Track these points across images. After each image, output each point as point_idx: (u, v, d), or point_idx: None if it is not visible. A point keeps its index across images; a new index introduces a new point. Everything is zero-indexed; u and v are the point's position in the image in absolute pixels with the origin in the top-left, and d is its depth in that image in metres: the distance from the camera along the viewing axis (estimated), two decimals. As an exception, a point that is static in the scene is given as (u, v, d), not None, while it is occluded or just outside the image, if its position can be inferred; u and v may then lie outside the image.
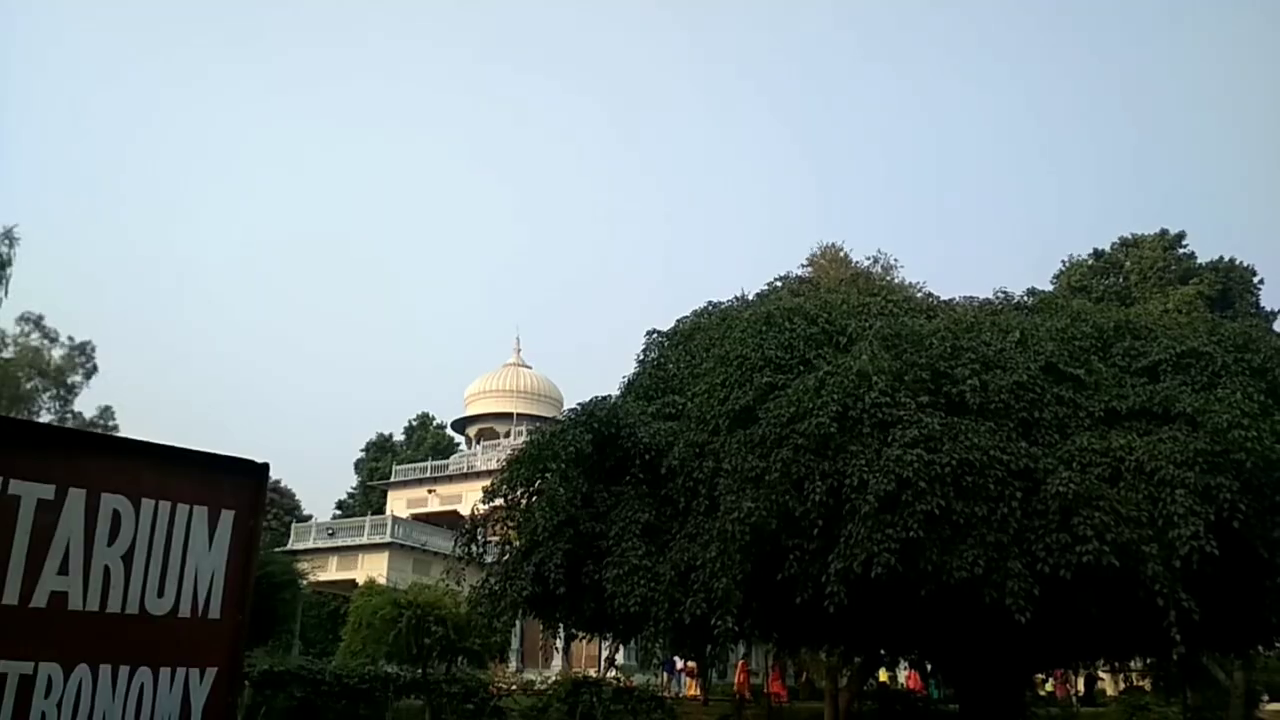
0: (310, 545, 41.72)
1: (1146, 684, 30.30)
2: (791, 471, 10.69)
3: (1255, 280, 37.60)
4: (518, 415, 51.86)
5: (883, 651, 17.63)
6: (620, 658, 16.42)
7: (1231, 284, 36.32)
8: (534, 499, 13.25)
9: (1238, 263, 36.78)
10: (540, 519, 12.31)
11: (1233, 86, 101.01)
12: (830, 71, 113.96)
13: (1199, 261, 36.79)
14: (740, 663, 29.14)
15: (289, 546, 40.59)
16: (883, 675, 31.29)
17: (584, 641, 17.76)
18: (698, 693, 28.62)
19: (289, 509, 54.81)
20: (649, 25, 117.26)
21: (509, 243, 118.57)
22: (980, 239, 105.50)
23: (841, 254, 27.65)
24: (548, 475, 13.04)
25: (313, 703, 18.84)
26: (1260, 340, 11.88)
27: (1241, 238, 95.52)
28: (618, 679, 21.97)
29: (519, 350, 59.22)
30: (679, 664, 28.98)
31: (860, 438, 10.64)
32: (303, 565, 28.35)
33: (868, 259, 28.43)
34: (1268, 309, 36.40)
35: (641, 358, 15.76)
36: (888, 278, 25.07)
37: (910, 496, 10.02)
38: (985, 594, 10.03)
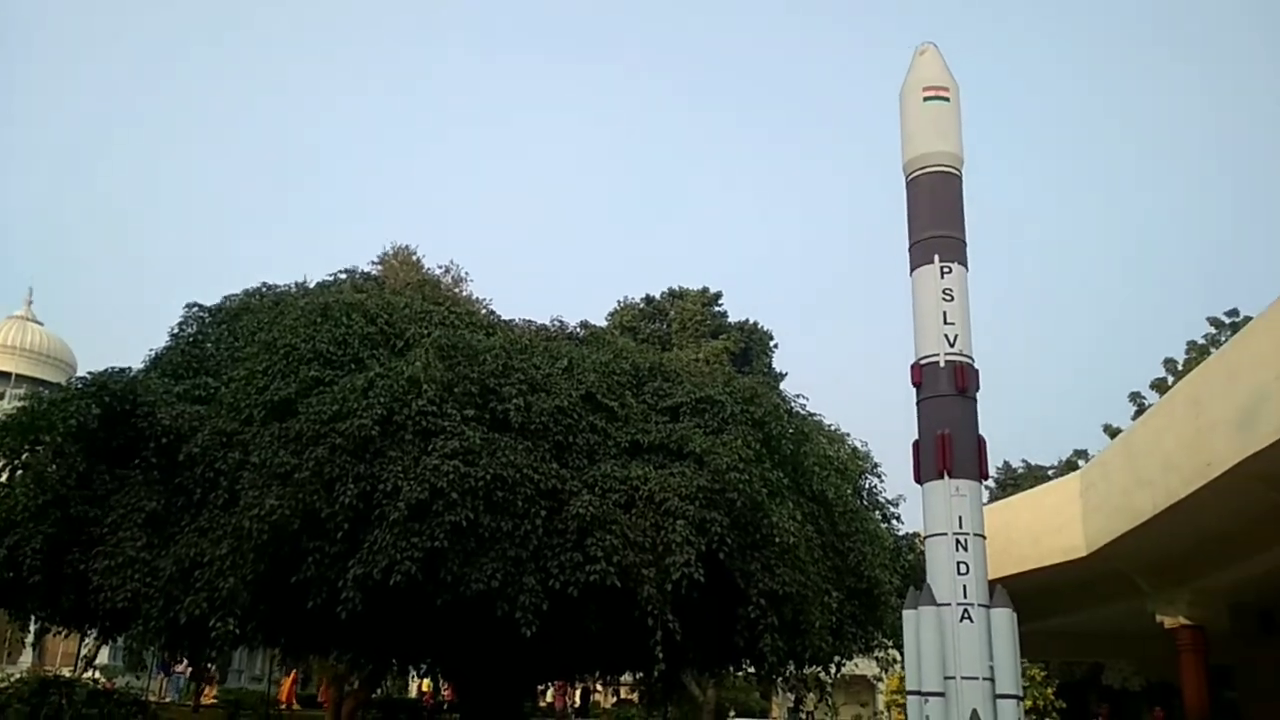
0: None
1: (636, 697, 33.07)
2: (324, 471, 10.34)
3: (771, 344, 42.99)
4: (16, 376, 45.22)
5: (394, 660, 17.52)
6: (105, 657, 14.73)
7: (753, 344, 41.03)
8: (18, 474, 11.56)
9: (760, 326, 41.76)
10: (22, 497, 10.78)
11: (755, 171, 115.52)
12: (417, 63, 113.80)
13: (730, 320, 41.32)
14: (294, 673, 27.66)
15: None
16: (425, 684, 31.21)
17: (61, 637, 15.68)
18: (213, 699, 26.52)
19: None
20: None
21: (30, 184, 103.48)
22: (556, 269, 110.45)
23: (414, 257, 27.55)
24: (39, 449, 11.46)
25: None
26: (764, 397, 13.41)
27: (765, 304, 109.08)
28: (97, 680, 19.72)
29: (30, 302, 51.71)
30: (180, 667, 26.71)
31: (401, 444, 10.57)
32: None
33: (440, 267, 28.53)
34: (778, 370, 41.62)
35: (176, 332, 14.41)
36: (456, 289, 25.31)
37: (441, 507, 10.10)
38: (498, 607, 10.35)
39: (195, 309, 14.59)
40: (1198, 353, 31.04)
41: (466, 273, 28.13)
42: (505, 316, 15.03)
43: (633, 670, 18.27)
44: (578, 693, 34.82)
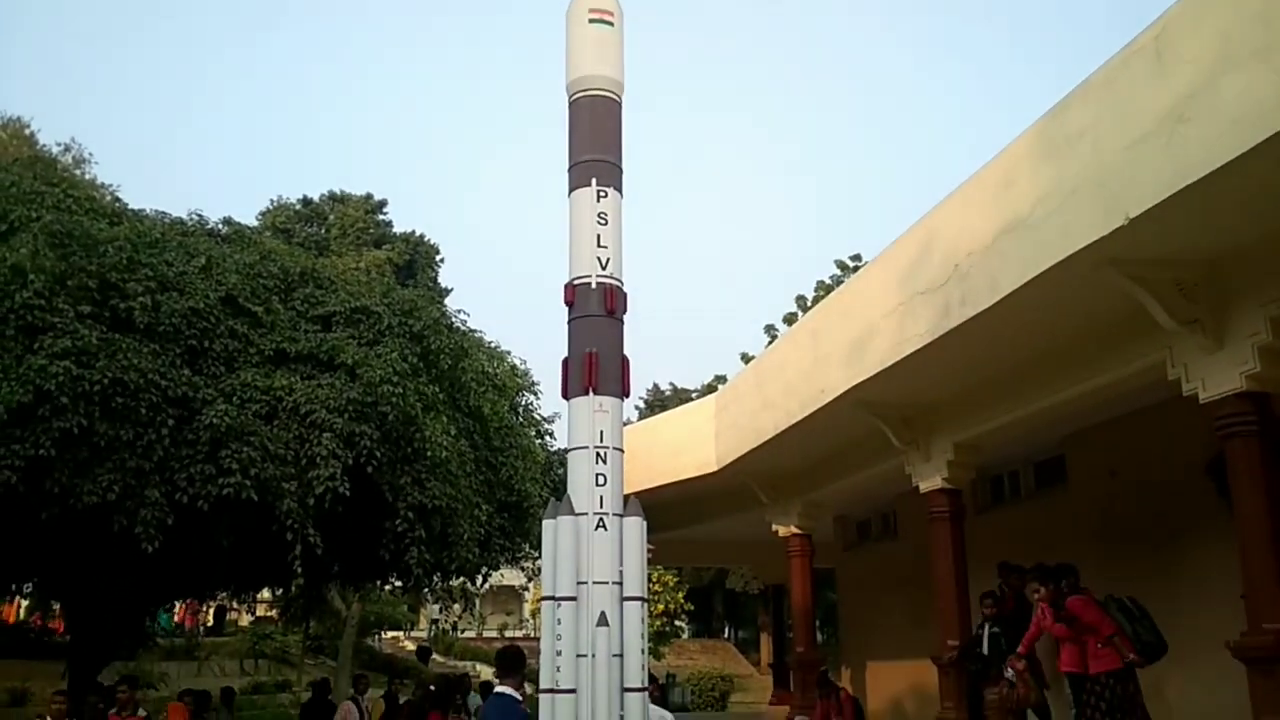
0: None
1: (275, 614, 32.02)
2: (-101, 369, 8.92)
3: (438, 257, 42.38)
4: None
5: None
6: None
7: (418, 256, 40.26)
8: None
9: (426, 239, 40.98)
10: None
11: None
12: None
13: (395, 230, 40.17)
14: None
15: None
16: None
17: None
18: None
19: None
20: None
21: None
22: (203, 158, 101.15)
23: (27, 131, 24.22)
24: None
25: None
26: (423, 310, 13.15)
27: (429, 215, 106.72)
28: None
29: None
30: None
31: (1, 340, 9.34)
32: None
33: (59, 145, 25.37)
34: (443, 285, 41.15)
35: None
36: (77, 171, 22.56)
37: (49, 412, 9.09)
38: (115, 521, 9.54)
39: None
40: (824, 291, 34.31)
41: (90, 154, 25.24)
42: (135, 206, 13.54)
43: (271, 586, 17.61)
44: (211, 611, 33.16)
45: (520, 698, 6.82)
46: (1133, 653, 8.46)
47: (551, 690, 6.10)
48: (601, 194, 6.87)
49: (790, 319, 35.70)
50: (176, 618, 31.59)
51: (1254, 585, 7.08)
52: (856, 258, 35.55)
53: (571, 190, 6.99)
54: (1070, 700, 9.47)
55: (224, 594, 19.60)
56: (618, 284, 6.95)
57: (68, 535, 10.45)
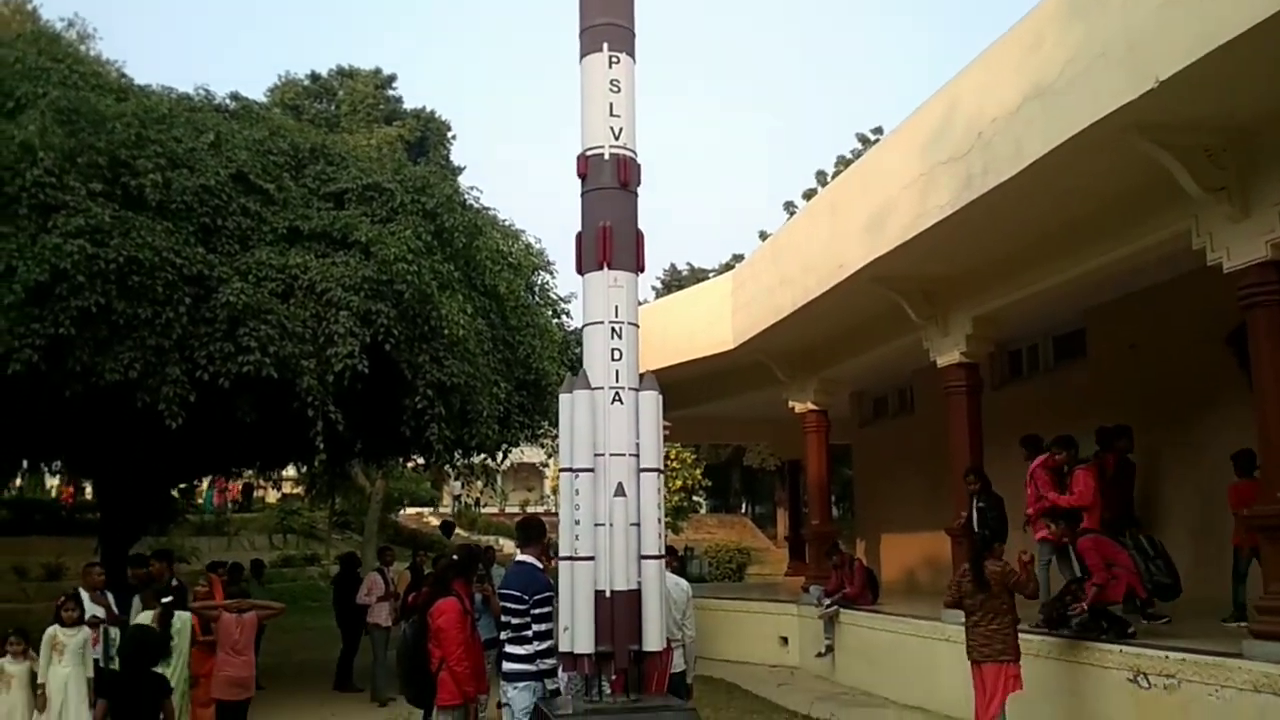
0: None
1: (302, 491, 32.79)
2: (-85, 249, 8.93)
3: (450, 135, 41.71)
4: None
5: (23, 458, 16.05)
6: None
7: (429, 134, 39.62)
8: None
9: (437, 115, 40.24)
10: None
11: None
12: None
13: (405, 106, 39.44)
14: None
15: None
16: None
17: None
18: None
19: None
20: None
21: None
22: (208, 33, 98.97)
23: (30, 6, 23.71)
24: None
25: None
26: (436, 187, 12.99)
27: (444, 93, 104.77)
28: None
29: None
30: None
31: (15, 219, 9.32)
32: None
33: (62, 20, 24.91)
34: (456, 163, 40.60)
35: None
36: (82, 47, 22.13)
37: (66, 290, 9.12)
38: (138, 398, 9.67)
39: None
40: (845, 166, 33.67)
41: (94, 29, 24.74)
42: (140, 82, 13.27)
43: (296, 463, 17.96)
44: (238, 488, 33.96)
45: (541, 566, 6.97)
46: (1141, 591, 8.64)
47: (571, 557, 6.23)
48: (614, 60, 6.65)
49: (810, 195, 35.17)
50: (215, 500, 32.41)
51: (1270, 455, 7.08)
52: (878, 130, 34.80)
53: (583, 56, 6.78)
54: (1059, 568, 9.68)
55: (250, 471, 20.02)
56: (631, 155, 6.79)
57: (92, 413, 10.61)
